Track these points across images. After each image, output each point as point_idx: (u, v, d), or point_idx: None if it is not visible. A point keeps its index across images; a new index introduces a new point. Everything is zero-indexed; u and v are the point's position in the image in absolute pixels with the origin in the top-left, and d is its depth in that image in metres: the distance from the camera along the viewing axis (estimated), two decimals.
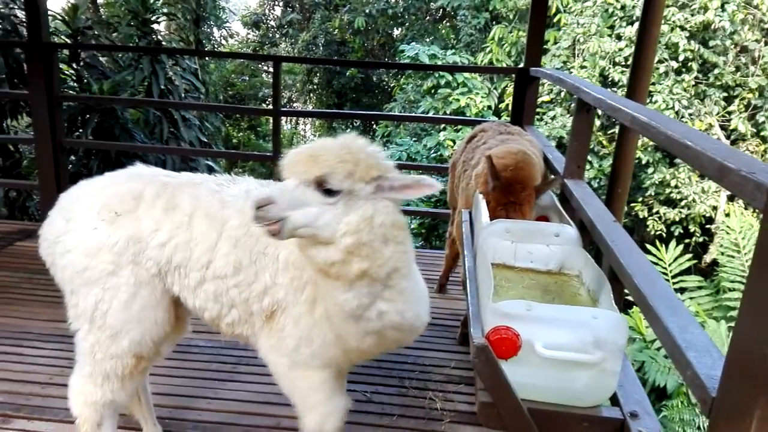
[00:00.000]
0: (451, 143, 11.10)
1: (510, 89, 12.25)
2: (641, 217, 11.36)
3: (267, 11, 20.18)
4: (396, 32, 17.25)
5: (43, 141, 5.41)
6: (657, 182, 10.94)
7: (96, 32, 8.59)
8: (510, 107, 5.94)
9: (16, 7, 8.93)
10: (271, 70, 18.39)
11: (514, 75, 5.34)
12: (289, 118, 19.44)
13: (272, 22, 19.97)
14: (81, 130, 7.80)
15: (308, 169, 1.71)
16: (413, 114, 12.44)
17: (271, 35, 19.61)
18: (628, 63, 11.12)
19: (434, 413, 3.01)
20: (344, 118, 16.28)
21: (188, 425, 2.84)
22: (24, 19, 8.55)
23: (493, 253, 2.52)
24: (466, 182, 3.38)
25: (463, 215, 3.15)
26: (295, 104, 19.06)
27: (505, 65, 12.53)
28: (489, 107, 11.88)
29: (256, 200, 1.69)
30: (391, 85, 16.59)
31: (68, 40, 8.17)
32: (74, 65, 8.35)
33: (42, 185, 5.55)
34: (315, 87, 18.10)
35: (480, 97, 11.63)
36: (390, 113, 12.64)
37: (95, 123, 7.75)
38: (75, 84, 8.29)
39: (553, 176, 3.43)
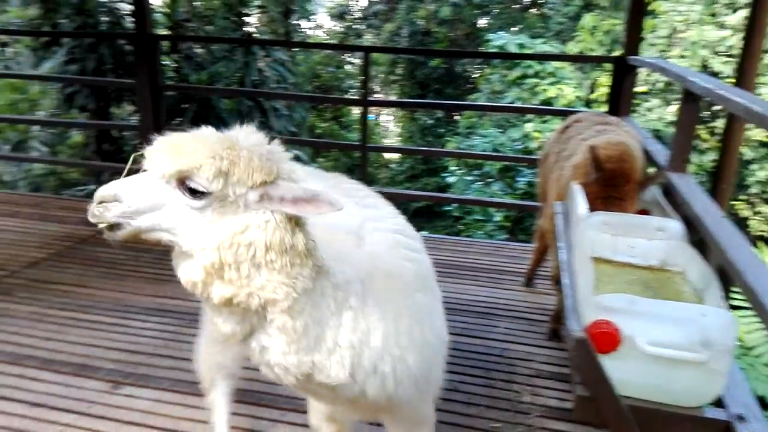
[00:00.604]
0: (539, 135, 10.84)
1: (602, 79, 11.80)
2: (743, 216, 10.68)
3: (353, 2, 20.41)
4: (481, 22, 17.00)
5: (146, 128, 5.74)
6: (762, 179, 10.24)
7: (193, 24, 9.01)
8: (603, 98, 5.72)
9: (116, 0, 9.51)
10: (355, 61, 18.61)
11: (611, 64, 5.13)
12: (369, 109, 19.56)
13: (357, 13, 20.18)
14: (180, 119, 8.22)
15: (170, 162, 1.36)
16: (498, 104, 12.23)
17: (355, 26, 19.83)
18: (731, 53, 10.44)
19: (521, 406, 2.98)
20: (429, 108, 16.18)
21: None
22: (125, 12, 9.10)
23: (591, 246, 2.46)
24: (560, 173, 3.30)
25: (557, 207, 3.08)
26: (377, 95, 19.21)
27: (597, 55, 12.07)
28: (580, 98, 11.50)
29: (99, 194, 1.38)
30: (475, 75, 16.39)
31: (168, 33, 8.60)
32: (173, 56, 8.80)
33: None
34: (398, 78, 18.15)
35: (571, 87, 11.28)
36: (475, 103, 12.47)
37: (192, 112, 8.15)
38: (174, 74, 8.74)
39: (654, 170, 3.29)
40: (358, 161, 7.80)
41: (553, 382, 3.19)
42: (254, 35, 9.88)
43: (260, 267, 1.37)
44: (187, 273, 1.39)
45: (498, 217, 10.91)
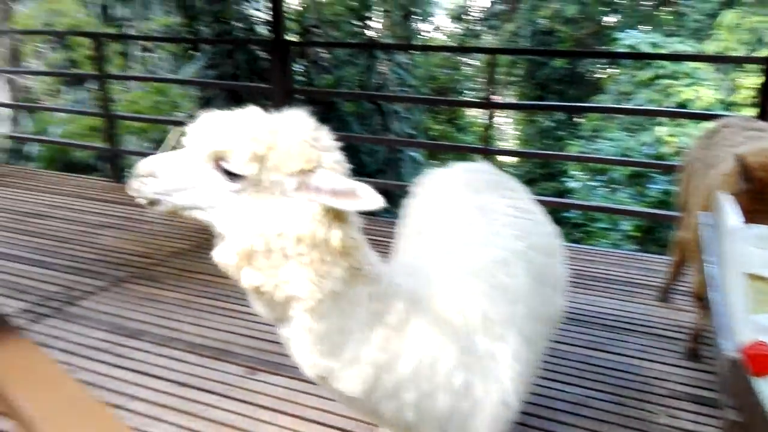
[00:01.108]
0: (673, 139, 10.18)
1: (746, 81, 10.87)
2: None
3: (472, 3, 20.26)
4: (608, 19, 16.25)
5: None
6: None
7: (320, 30, 9.38)
8: (747, 101, 5.27)
9: (251, 7, 10.09)
10: (472, 62, 18.46)
11: (758, 65, 4.73)
12: (484, 110, 19.29)
13: (477, 14, 20.02)
14: None
15: (208, 142, 1.34)
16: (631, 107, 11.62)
17: (474, 27, 19.68)
18: None
19: (656, 428, 2.82)
20: (557, 111, 15.47)
21: None
22: (259, 20, 9.64)
23: (744, 261, 2.28)
24: (706, 182, 3.09)
25: (703, 218, 2.88)
26: (494, 97, 18.93)
27: (741, 55, 11.14)
28: (720, 101, 10.68)
29: (139, 169, 1.38)
30: (600, 76, 15.70)
31: (298, 39, 9.02)
32: (301, 61, 9.21)
33: None
34: (517, 79, 17.79)
35: (709, 89, 10.49)
36: (601, 105, 11.91)
37: (317, 114, 8.48)
38: (302, 78, 9.14)
39: None
40: None
41: (691, 404, 2.99)
42: (377, 39, 10.07)
43: (289, 258, 1.31)
44: (221, 255, 1.36)
45: (626, 226, 10.36)
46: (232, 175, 1.32)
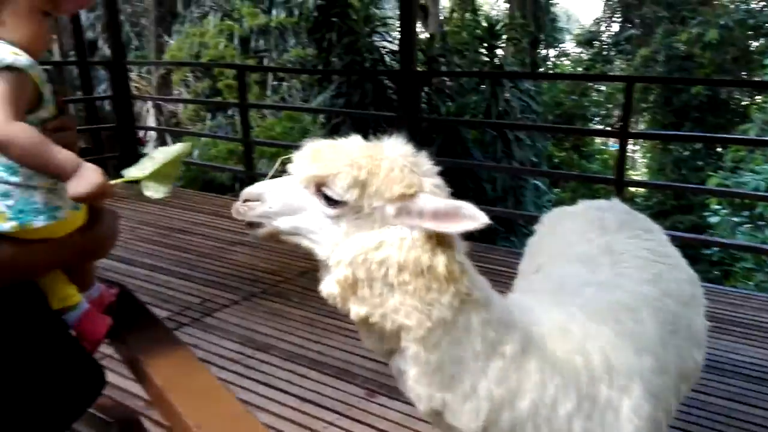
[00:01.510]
0: None
1: None
2: None
3: (602, 28, 19.62)
4: (755, 44, 15.04)
5: None
6: None
7: (446, 59, 9.50)
8: None
9: (381, 39, 10.44)
10: (601, 88, 17.81)
11: None
12: (607, 138, 18.46)
13: (607, 39, 19.34)
14: (427, 148, 8.69)
15: (309, 167, 1.34)
16: None
17: (604, 53, 19.01)
18: None
19: None
20: (692, 141, 14.20)
21: None
22: (387, 50, 9.94)
23: None
24: None
25: None
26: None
27: None
28: None
29: (245, 193, 1.41)
30: (745, 103, 14.50)
31: (424, 67, 9.19)
32: (426, 89, 9.36)
33: None
34: (650, 105, 16.89)
35: None
36: (749, 137, 10.96)
37: (440, 141, 8.56)
38: (426, 106, 9.29)
39: None
40: (600, 194, 7.37)
41: None
42: (502, 65, 10.03)
43: (393, 288, 1.29)
44: (325, 286, 1.35)
45: None
46: (332, 202, 1.31)
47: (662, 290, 1.77)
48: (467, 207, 1.25)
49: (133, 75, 13.81)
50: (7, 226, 1.21)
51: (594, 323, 1.53)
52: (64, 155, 1.18)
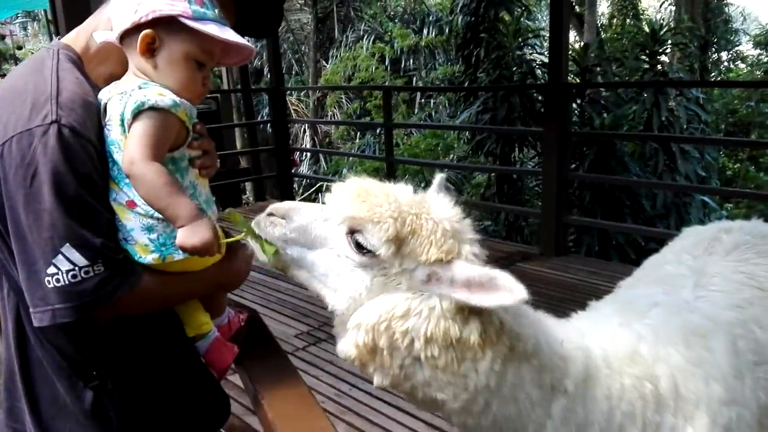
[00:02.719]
0: None
1: None
2: None
3: None
4: None
5: (549, 173, 5.85)
6: None
7: (602, 68, 8.93)
8: None
9: (533, 51, 10.10)
10: None
11: None
12: None
13: None
14: (577, 163, 8.20)
15: (350, 205, 1.22)
16: None
17: None
18: None
19: None
20: None
21: None
22: (538, 63, 9.59)
23: None
24: None
25: None
26: None
27: None
28: None
29: (272, 207, 1.31)
30: None
31: (577, 78, 8.71)
32: (578, 101, 8.86)
33: (544, 213, 6.02)
34: None
35: None
36: None
37: (593, 155, 8.02)
38: (577, 119, 8.79)
39: None
40: None
41: None
42: (668, 74, 9.21)
43: (419, 361, 1.16)
44: (342, 347, 1.23)
45: None
46: (362, 249, 1.20)
47: (750, 317, 1.60)
48: (504, 278, 1.11)
49: (292, 99, 14.77)
50: (150, 258, 1.26)
51: (662, 344, 1.43)
52: (184, 205, 1.20)
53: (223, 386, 1.59)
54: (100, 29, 1.34)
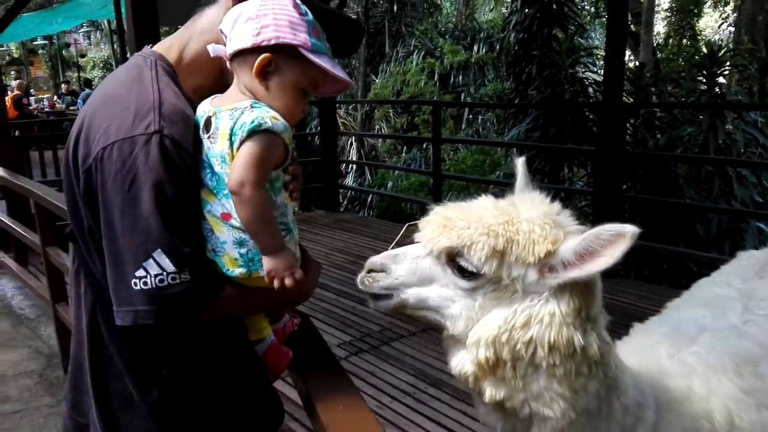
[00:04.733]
0: None
1: None
2: None
3: None
4: None
5: (601, 193, 5.75)
6: None
7: (657, 89, 8.73)
8: None
9: (585, 70, 9.97)
10: None
11: None
12: None
13: None
14: (629, 184, 8.01)
15: (440, 236, 1.22)
16: None
17: None
18: None
19: None
20: None
21: None
22: (590, 81, 9.46)
23: None
24: None
25: None
26: None
27: None
28: None
29: (369, 263, 1.32)
30: None
31: (631, 98, 8.55)
32: (632, 121, 8.68)
33: None
34: None
35: None
36: None
37: (645, 177, 7.84)
38: (630, 139, 8.60)
39: None
40: None
41: None
42: (725, 96, 8.95)
43: (539, 369, 1.16)
44: (458, 365, 1.23)
45: None
46: (467, 273, 1.21)
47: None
48: (607, 227, 1.10)
49: (340, 112, 14.93)
50: (237, 272, 1.30)
51: (713, 374, 1.42)
52: (273, 237, 1.27)
53: None
54: (193, 40, 1.39)
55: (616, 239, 1.09)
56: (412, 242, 1.34)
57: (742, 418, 1.37)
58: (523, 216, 1.22)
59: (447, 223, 1.25)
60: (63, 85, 22.43)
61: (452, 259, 1.23)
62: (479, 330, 1.19)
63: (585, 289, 1.18)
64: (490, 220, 1.21)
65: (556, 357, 1.14)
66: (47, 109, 16.33)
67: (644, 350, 1.53)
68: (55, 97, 21.33)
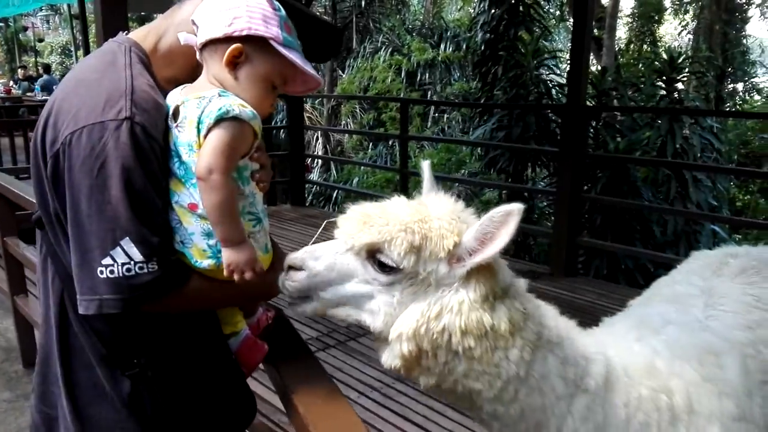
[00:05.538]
0: None
1: None
2: None
3: None
4: None
5: (562, 193, 5.89)
6: None
7: (618, 93, 8.96)
8: None
9: (549, 72, 10.15)
10: None
11: None
12: None
13: None
14: (590, 185, 8.22)
15: (361, 233, 1.27)
16: None
17: None
18: None
19: None
20: None
21: None
22: (554, 84, 9.64)
23: None
24: None
25: None
26: None
27: None
28: None
29: (289, 259, 1.31)
30: None
31: (593, 101, 8.76)
32: (594, 123, 8.89)
33: (555, 233, 6.05)
34: None
35: None
36: None
37: (605, 179, 8.04)
38: (591, 141, 8.81)
39: None
40: None
41: None
42: (684, 101, 9.25)
43: (458, 354, 1.24)
44: (386, 360, 1.29)
45: None
46: (386, 268, 1.26)
47: (759, 338, 1.65)
48: (497, 209, 1.20)
49: (306, 106, 14.85)
50: (206, 263, 1.30)
51: (677, 360, 1.49)
52: (235, 228, 1.26)
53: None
54: (170, 31, 1.38)
55: (506, 218, 1.18)
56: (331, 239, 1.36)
57: (701, 403, 1.43)
58: (434, 214, 1.28)
59: (367, 219, 1.28)
60: (19, 71, 21.57)
61: (372, 255, 1.27)
62: (399, 325, 1.25)
63: (488, 271, 1.26)
64: (407, 218, 1.27)
65: (470, 340, 1.22)
66: (2, 95, 15.78)
67: (612, 336, 1.61)
68: (11, 83, 20.57)
